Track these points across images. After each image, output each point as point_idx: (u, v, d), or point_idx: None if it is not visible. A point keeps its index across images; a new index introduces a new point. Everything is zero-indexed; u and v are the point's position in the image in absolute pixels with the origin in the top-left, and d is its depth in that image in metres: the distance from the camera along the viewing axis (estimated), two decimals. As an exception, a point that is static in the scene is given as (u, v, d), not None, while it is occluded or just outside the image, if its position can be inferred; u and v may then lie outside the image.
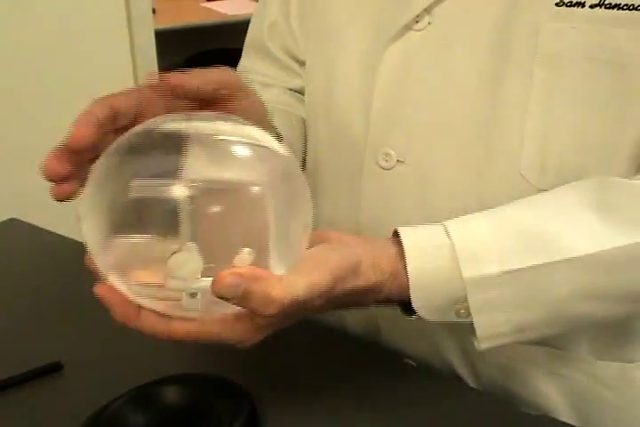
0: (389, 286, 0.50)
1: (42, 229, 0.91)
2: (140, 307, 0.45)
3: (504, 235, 0.51)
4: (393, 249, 0.51)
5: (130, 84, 1.74)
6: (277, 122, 0.65)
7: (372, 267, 0.49)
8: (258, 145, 0.45)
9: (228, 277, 0.42)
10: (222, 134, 0.45)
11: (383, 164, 0.62)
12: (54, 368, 0.66)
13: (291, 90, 0.76)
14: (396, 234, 0.53)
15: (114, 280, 0.45)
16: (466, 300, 0.50)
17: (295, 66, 0.75)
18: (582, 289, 0.51)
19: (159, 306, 0.45)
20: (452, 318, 0.52)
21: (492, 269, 0.50)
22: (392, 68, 0.61)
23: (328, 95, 0.67)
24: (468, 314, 0.51)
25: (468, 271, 0.50)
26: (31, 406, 0.62)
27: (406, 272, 0.50)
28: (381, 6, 0.63)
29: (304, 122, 0.73)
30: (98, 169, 0.46)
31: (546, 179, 0.57)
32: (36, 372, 0.65)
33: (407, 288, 0.50)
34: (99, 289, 0.46)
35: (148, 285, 0.44)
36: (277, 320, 0.47)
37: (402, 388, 0.62)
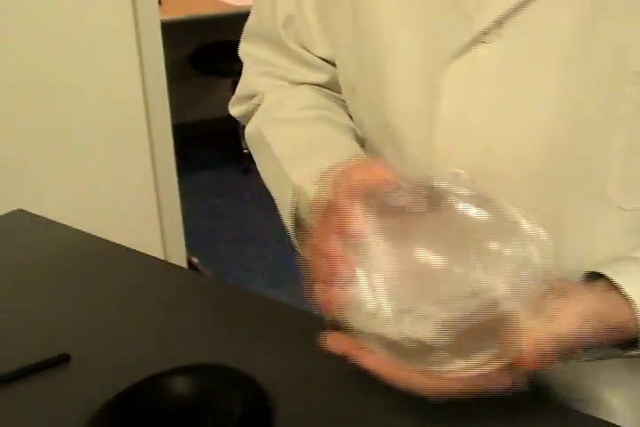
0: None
1: (48, 219, 0.91)
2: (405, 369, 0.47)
3: None
4: (620, 299, 0.51)
5: (136, 76, 1.73)
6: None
7: (612, 310, 0.51)
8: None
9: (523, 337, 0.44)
10: None
11: None
12: (62, 360, 0.65)
13: (315, 85, 0.74)
14: (595, 275, 0.53)
15: (378, 349, 0.47)
16: None
17: (316, 60, 0.72)
18: None
19: (419, 367, 0.46)
20: None
21: None
22: (457, 85, 0.57)
23: (381, 105, 0.63)
24: None
25: None
26: (39, 398, 0.62)
27: (635, 321, 0.51)
28: (440, 15, 0.58)
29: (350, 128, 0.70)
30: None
31: (630, 198, 0.56)
32: (43, 363, 0.64)
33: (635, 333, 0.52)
34: (366, 362, 0.48)
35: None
36: (543, 362, 0.48)
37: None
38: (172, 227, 1.97)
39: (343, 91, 0.70)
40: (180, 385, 0.59)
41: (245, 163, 2.90)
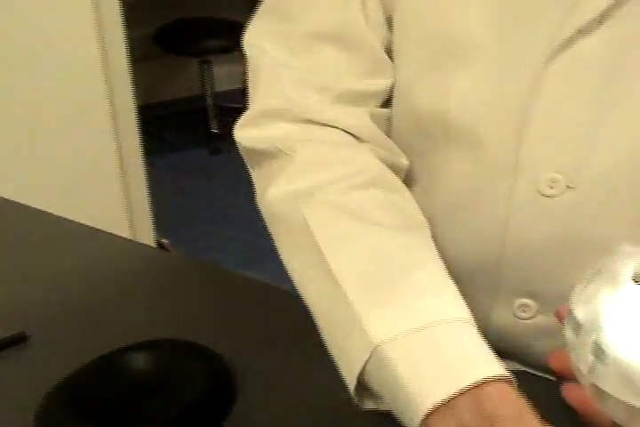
0: None
1: (10, 200, 0.89)
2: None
3: None
4: None
5: (96, 56, 1.70)
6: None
7: None
8: None
9: None
10: None
11: (547, 191, 0.54)
12: (18, 339, 0.64)
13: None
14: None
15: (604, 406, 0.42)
16: None
17: (385, 58, 0.60)
18: None
19: None
20: None
21: None
22: (560, 80, 0.52)
23: (443, 103, 0.56)
24: None
25: None
26: (-4, 379, 0.61)
27: None
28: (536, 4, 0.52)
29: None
30: None
31: None
32: (0, 343, 0.63)
33: None
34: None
35: None
36: None
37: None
38: (139, 209, 1.95)
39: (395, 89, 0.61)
40: (141, 361, 0.58)
41: (214, 143, 2.87)
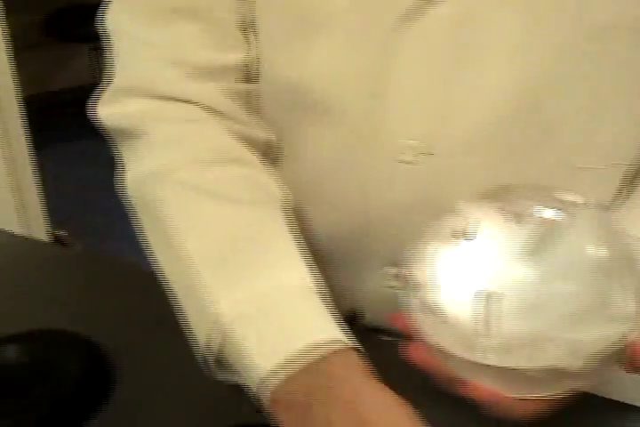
0: None
1: None
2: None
3: None
4: None
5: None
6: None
7: None
8: None
9: None
10: None
11: (405, 158, 0.55)
12: None
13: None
14: None
15: (483, 377, 0.42)
16: None
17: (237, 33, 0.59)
18: None
19: (533, 393, 0.43)
20: None
21: None
22: (413, 50, 0.53)
23: (303, 72, 0.57)
24: None
25: None
26: None
27: None
28: None
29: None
30: None
31: (586, 157, 0.55)
32: None
33: None
34: (474, 391, 0.43)
35: None
36: None
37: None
38: (31, 203, 1.90)
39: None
40: (10, 353, 0.58)
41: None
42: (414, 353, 0.44)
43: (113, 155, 0.61)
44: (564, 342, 0.39)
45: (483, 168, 0.55)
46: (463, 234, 0.41)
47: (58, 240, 2.08)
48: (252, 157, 0.59)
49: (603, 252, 0.40)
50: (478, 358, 0.40)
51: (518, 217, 0.40)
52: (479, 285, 0.39)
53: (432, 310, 0.41)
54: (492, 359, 0.39)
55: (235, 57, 0.59)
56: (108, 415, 0.56)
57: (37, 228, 1.90)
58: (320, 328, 0.48)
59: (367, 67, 0.54)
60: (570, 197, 0.42)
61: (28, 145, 1.82)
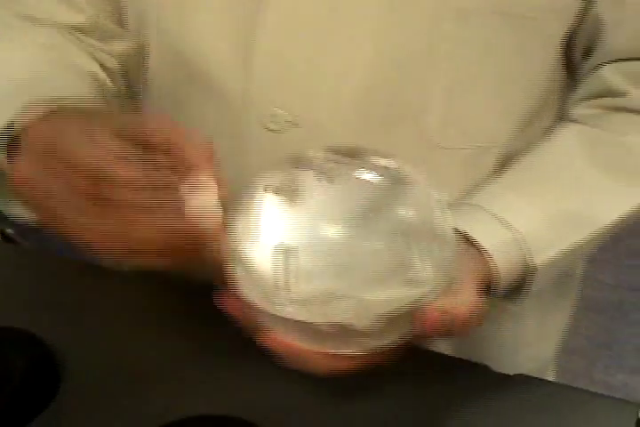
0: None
1: None
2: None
3: (551, 217, 0.55)
4: (473, 249, 0.53)
5: None
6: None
7: (474, 267, 0.52)
8: None
9: (438, 316, 0.43)
10: None
11: (272, 126, 0.56)
12: None
13: (71, 28, 0.62)
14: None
15: (281, 329, 0.43)
16: (527, 277, 0.55)
17: None
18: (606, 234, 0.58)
19: (334, 348, 0.44)
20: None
21: (552, 252, 0.55)
22: (275, 25, 0.54)
23: (182, 42, 0.58)
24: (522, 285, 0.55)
25: (538, 260, 0.54)
26: None
27: (489, 271, 0.52)
28: None
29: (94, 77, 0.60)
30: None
31: (449, 137, 0.57)
32: None
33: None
34: (272, 342, 0.44)
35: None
36: None
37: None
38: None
39: (132, 27, 0.63)
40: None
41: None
42: (227, 302, 0.45)
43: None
44: (356, 300, 0.40)
45: (345, 139, 0.56)
46: (276, 189, 0.42)
47: (6, 238, 2.05)
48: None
49: (406, 215, 0.41)
50: (276, 310, 0.41)
51: (330, 177, 0.41)
52: (280, 239, 0.40)
53: (240, 261, 0.42)
54: (288, 312, 0.41)
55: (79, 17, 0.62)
56: (54, 413, 0.56)
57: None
58: None
59: (237, 32, 0.55)
60: (384, 162, 0.43)
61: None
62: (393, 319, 0.41)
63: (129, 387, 0.58)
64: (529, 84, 0.59)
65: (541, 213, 0.55)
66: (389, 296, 0.40)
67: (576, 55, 0.60)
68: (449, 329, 0.44)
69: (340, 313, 0.40)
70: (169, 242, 0.41)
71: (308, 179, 0.41)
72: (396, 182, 0.42)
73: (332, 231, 0.40)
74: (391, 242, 0.40)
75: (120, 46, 0.63)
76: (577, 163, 0.58)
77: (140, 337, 0.63)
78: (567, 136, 0.60)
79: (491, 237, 0.52)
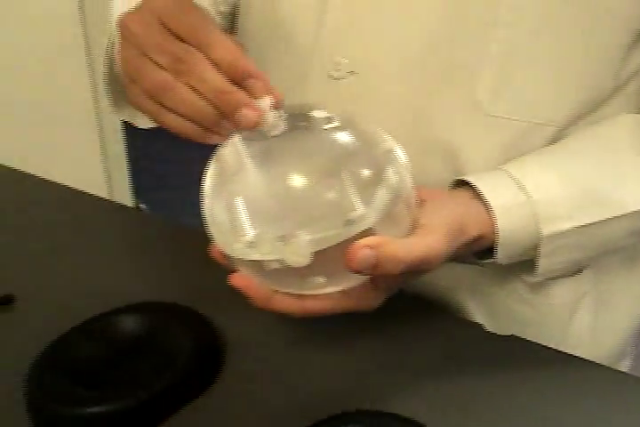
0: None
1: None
2: (273, 290, 0.47)
3: (574, 192, 0.55)
4: (481, 207, 0.54)
5: (74, 11, 1.66)
6: None
7: (473, 221, 0.52)
8: None
9: (360, 251, 0.43)
10: None
11: (334, 73, 0.60)
12: (6, 301, 0.64)
13: None
14: (461, 183, 0.55)
15: (245, 269, 0.46)
16: (537, 247, 0.55)
17: None
18: (635, 230, 0.58)
19: (291, 290, 0.47)
20: (518, 259, 0.57)
21: (566, 225, 0.55)
22: None
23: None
24: (535, 257, 0.56)
25: (547, 229, 0.54)
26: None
27: (493, 230, 0.54)
28: None
29: None
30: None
31: (499, 106, 0.57)
32: (-14, 305, 0.63)
33: (492, 242, 0.54)
34: (233, 280, 0.47)
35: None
36: (397, 282, 0.49)
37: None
38: (117, 175, 1.93)
39: None
40: (127, 324, 0.58)
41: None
42: (235, 280, 0.47)
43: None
44: (296, 239, 0.43)
45: (398, 95, 0.59)
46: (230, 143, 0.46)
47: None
48: None
49: (347, 160, 0.44)
50: (232, 251, 0.45)
51: (268, 129, 0.45)
52: (233, 191, 0.44)
53: (208, 215, 0.46)
54: (241, 253, 0.44)
55: None
56: (220, 390, 0.56)
57: (121, 199, 1.94)
58: None
59: None
60: (328, 114, 0.46)
61: (119, 121, 1.86)
62: (326, 256, 0.43)
63: (293, 367, 0.57)
64: (593, 69, 0.57)
65: (564, 186, 0.55)
66: (327, 235, 0.43)
67: None
68: (375, 266, 0.43)
69: (280, 251, 0.43)
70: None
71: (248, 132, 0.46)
72: (341, 129, 0.46)
73: (268, 179, 0.44)
74: (330, 184, 0.43)
75: None
76: (621, 148, 0.57)
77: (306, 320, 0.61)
78: (623, 123, 0.59)
79: (501, 197, 0.54)
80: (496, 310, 0.67)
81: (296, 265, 0.43)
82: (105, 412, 0.51)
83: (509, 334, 0.61)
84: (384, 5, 0.58)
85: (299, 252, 0.43)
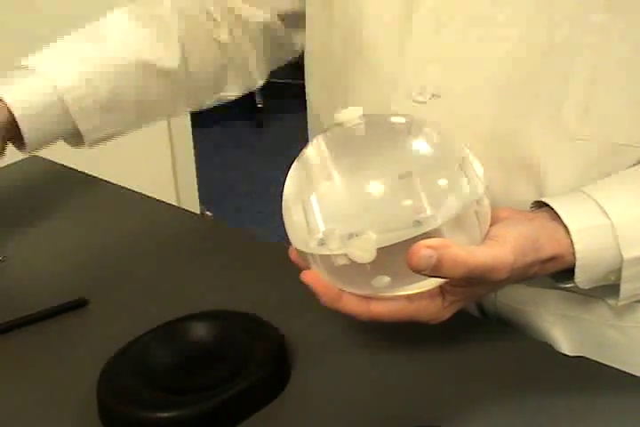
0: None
1: (63, 165, 0.90)
2: (341, 290, 0.48)
3: None
4: (560, 228, 0.53)
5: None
6: None
7: (548, 241, 0.52)
8: None
9: (422, 249, 0.43)
10: None
11: (418, 98, 0.61)
12: (79, 304, 0.65)
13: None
14: (541, 204, 0.55)
15: (316, 267, 0.47)
16: (619, 271, 0.54)
17: None
18: None
19: (358, 290, 0.47)
20: (600, 283, 0.56)
21: None
22: (433, 2, 0.59)
23: (358, 29, 0.64)
24: (617, 281, 0.55)
25: (628, 252, 0.53)
26: (56, 342, 0.62)
27: (570, 251, 0.53)
28: None
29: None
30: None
31: (585, 128, 0.56)
32: (61, 308, 0.64)
33: (572, 264, 0.54)
34: (305, 276, 0.48)
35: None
36: (465, 294, 0.49)
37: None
38: (185, 181, 1.96)
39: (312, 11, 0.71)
40: (198, 331, 0.59)
41: (259, 117, 2.87)
42: (307, 277, 0.47)
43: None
44: (366, 236, 0.44)
45: (482, 117, 0.59)
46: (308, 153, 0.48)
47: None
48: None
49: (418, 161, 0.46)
50: (306, 248, 0.46)
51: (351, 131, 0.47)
52: (312, 191, 0.46)
53: (286, 213, 0.49)
54: (312, 249, 0.46)
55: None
56: (289, 398, 0.56)
57: (189, 206, 1.96)
58: None
59: (393, 21, 0.61)
60: (401, 119, 0.49)
61: (189, 126, 1.88)
62: (391, 255, 0.44)
63: (361, 380, 0.57)
64: None
65: None
66: (394, 234, 0.44)
67: None
68: (436, 267, 0.43)
69: (348, 247, 0.44)
70: None
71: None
72: (420, 135, 0.47)
73: (344, 182, 0.46)
74: (403, 187, 0.44)
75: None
76: None
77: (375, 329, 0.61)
78: None
79: (581, 220, 0.53)
80: (582, 335, 0.65)
81: (361, 261, 0.44)
82: (175, 417, 0.52)
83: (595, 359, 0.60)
84: (469, 33, 0.58)
85: (364, 247, 0.44)
